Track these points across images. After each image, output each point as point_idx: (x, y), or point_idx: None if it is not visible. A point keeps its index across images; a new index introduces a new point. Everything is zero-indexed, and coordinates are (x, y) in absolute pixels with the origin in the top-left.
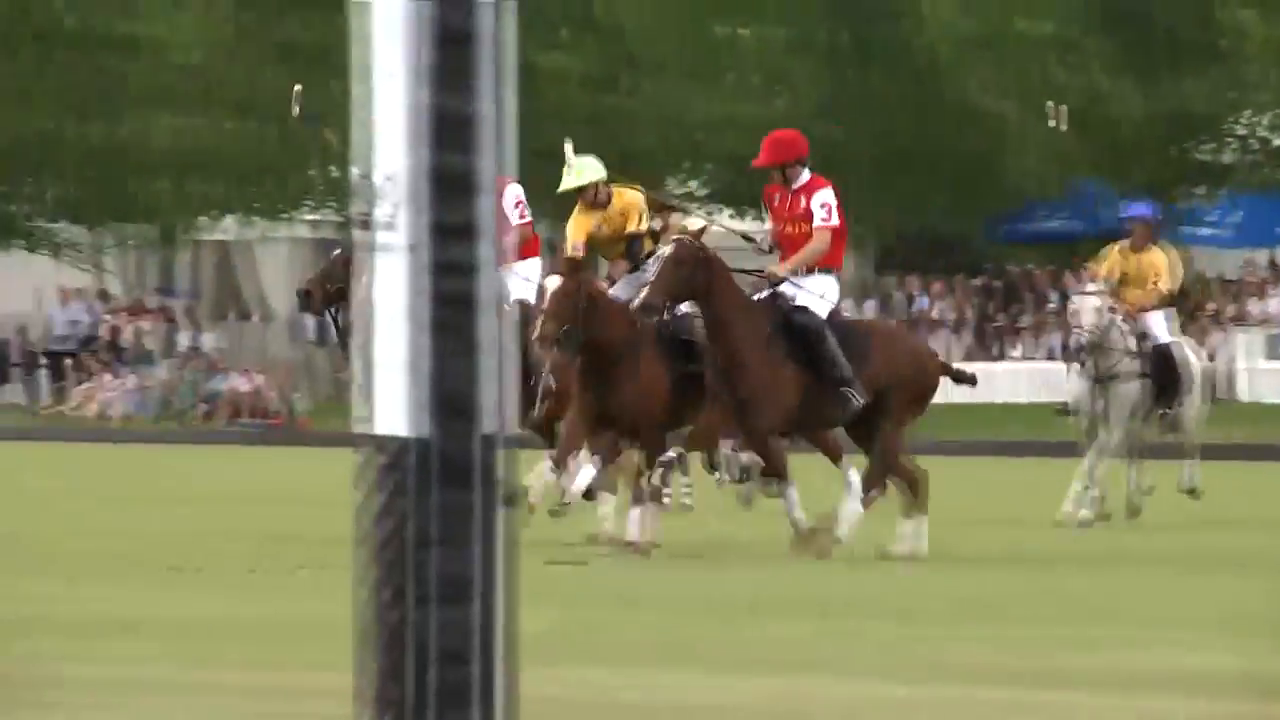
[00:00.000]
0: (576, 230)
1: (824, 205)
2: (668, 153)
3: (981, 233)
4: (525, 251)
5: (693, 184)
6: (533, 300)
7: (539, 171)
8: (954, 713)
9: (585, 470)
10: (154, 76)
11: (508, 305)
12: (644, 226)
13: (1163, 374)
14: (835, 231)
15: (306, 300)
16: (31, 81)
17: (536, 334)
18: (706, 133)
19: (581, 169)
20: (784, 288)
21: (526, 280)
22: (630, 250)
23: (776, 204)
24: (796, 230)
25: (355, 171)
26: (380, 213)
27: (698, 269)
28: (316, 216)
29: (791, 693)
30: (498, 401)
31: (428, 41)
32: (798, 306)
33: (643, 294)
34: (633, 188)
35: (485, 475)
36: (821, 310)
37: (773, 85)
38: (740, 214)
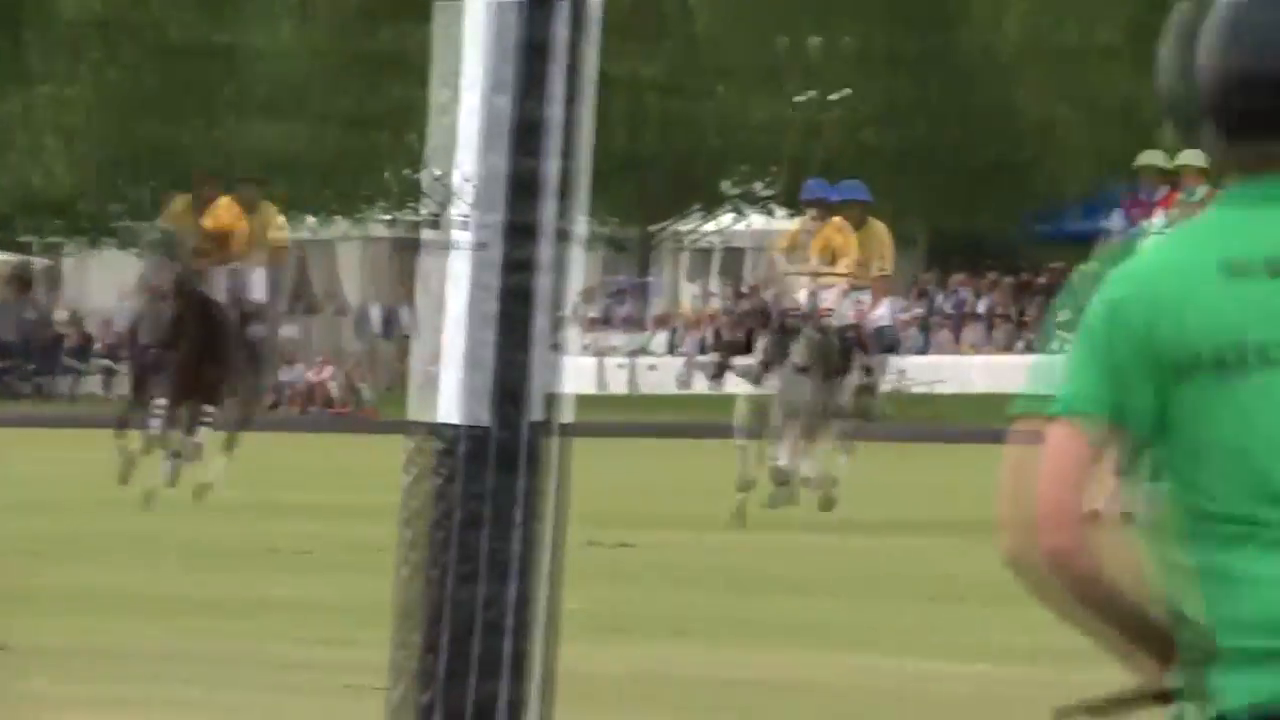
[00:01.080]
0: None
1: None
2: (730, 155)
3: (1023, 232)
4: None
5: (756, 185)
6: None
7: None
8: (988, 689)
9: None
10: (248, 84)
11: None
12: None
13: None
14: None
15: None
16: (136, 91)
17: None
18: (770, 136)
19: None
20: None
21: None
22: None
23: None
24: None
25: (429, 173)
26: (454, 212)
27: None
28: (390, 216)
29: (808, 664)
30: (549, 391)
31: (508, 50)
32: None
33: None
34: None
35: (532, 460)
36: None
37: (833, 92)
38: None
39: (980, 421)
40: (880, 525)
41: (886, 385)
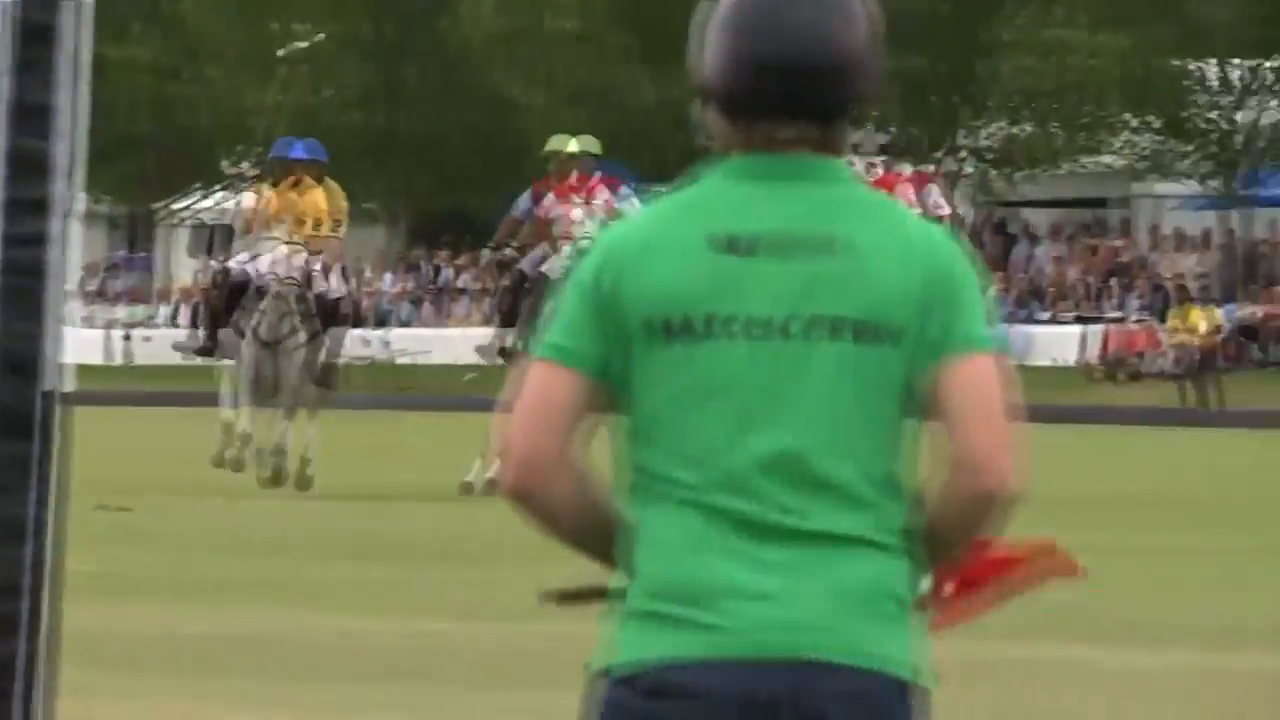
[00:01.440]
0: None
1: None
2: (224, 136)
3: (505, 211)
4: None
5: (244, 165)
6: None
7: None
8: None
9: None
10: None
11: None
12: None
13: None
14: None
15: None
16: None
17: None
18: (259, 118)
19: None
20: None
21: None
22: None
23: None
24: None
25: None
26: None
27: None
28: None
29: (288, 626)
30: (56, 362)
31: (12, 37)
32: None
33: None
34: None
35: (44, 428)
36: None
37: (321, 76)
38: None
39: (462, 390)
40: (367, 489)
41: (381, 355)
